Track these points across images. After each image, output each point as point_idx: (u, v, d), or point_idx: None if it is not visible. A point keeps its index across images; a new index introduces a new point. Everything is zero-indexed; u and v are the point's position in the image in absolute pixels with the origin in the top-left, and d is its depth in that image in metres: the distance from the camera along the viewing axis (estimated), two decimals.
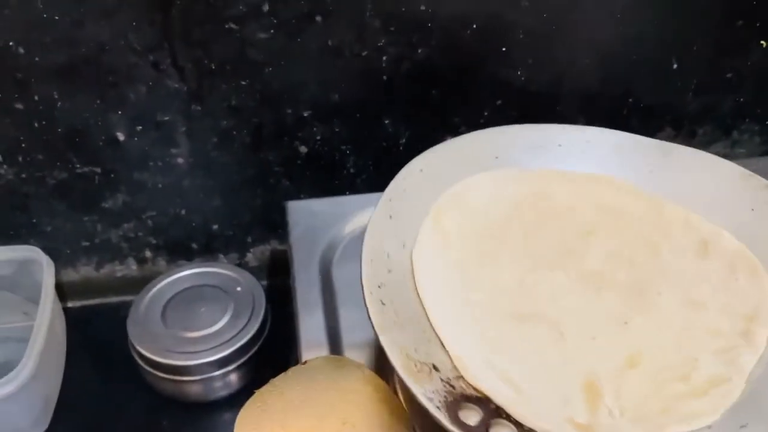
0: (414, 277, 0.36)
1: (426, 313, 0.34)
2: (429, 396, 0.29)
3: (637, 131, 0.62)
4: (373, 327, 0.30)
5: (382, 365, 0.41)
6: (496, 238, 0.40)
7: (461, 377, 0.31)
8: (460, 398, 0.30)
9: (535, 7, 0.52)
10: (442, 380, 0.30)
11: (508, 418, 0.30)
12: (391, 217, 0.37)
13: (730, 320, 0.37)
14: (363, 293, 0.32)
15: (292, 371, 0.40)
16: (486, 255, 0.39)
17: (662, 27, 0.57)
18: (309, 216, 0.52)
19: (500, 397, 0.31)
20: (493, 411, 0.30)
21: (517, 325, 0.36)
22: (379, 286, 0.32)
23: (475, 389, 0.31)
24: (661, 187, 0.44)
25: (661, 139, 0.62)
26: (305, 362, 0.41)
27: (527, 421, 0.30)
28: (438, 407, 0.28)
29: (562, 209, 0.42)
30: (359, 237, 0.50)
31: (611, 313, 0.38)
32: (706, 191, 0.43)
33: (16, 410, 0.50)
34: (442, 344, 0.33)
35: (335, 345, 0.42)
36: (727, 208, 0.42)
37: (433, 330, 0.33)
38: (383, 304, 0.31)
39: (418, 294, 0.35)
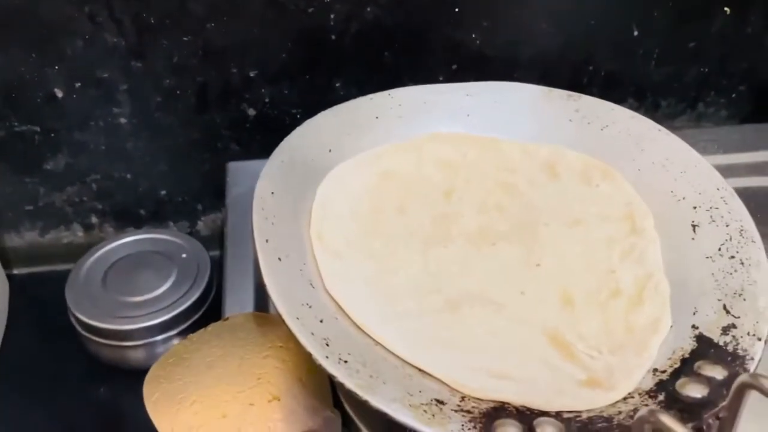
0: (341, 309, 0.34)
1: (381, 346, 0.32)
2: None
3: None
4: (357, 394, 0.28)
5: None
6: (373, 232, 0.38)
7: (465, 396, 0.30)
8: (485, 418, 0.28)
9: None
10: (455, 411, 0.29)
11: (532, 412, 0.29)
12: (272, 224, 0.35)
13: (614, 224, 0.39)
14: (315, 357, 0.29)
15: (212, 327, 0.38)
16: (378, 254, 0.37)
17: None
18: (249, 177, 0.50)
19: (511, 395, 0.30)
20: (517, 413, 0.29)
21: (457, 315, 0.34)
22: (312, 333, 0.30)
23: (486, 401, 0.30)
24: (483, 126, 0.45)
25: None
26: (227, 318, 0.39)
27: (550, 406, 0.29)
28: None
29: (410, 178, 0.42)
30: None
31: (519, 262, 0.37)
32: (521, 116, 0.45)
33: None
34: (421, 372, 0.31)
35: (262, 305, 0.41)
36: (548, 126, 0.45)
37: (404, 362, 0.31)
38: (344, 361, 0.29)
39: (355, 325, 0.33)
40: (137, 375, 0.53)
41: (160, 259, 0.56)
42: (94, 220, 0.60)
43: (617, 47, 0.58)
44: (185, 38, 0.51)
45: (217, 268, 0.55)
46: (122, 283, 0.54)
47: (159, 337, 0.53)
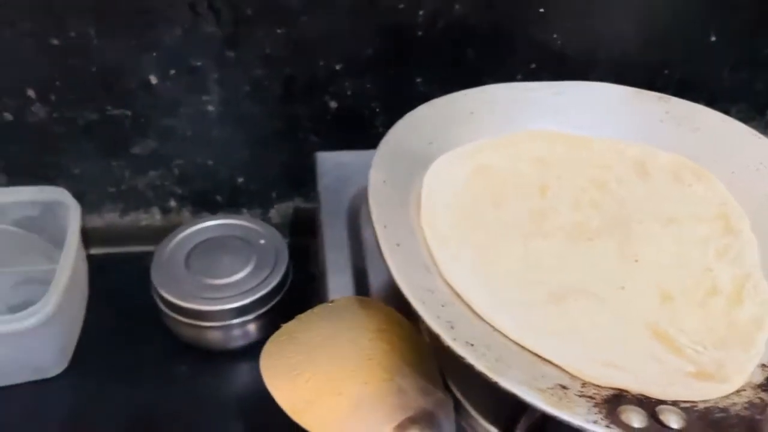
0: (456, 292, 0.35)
1: (499, 332, 0.33)
2: (592, 419, 0.28)
3: None
4: (487, 375, 0.29)
5: (407, 308, 0.40)
6: (474, 223, 0.39)
7: (585, 383, 0.30)
8: (607, 403, 0.29)
9: None
10: (579, 396, 0.29)
11: (650, 400, 0.30)
12: (387, 211, 0.36)
13: (709, 224, 0.40)
14: (443, 339, 0.30)
15: (319, 308, 0.40)
16: (480, 244, 0.38)
17: None
18: (337, 167, 0.52)
19: (629, 383, 0.31)
20: (636, 401, 0.30)
21: (561, 307, 0.35)
22: (438, 316, 0.31)
23: (605, 388, 0.30)
24: (573, 125, 0.46)
25: None
26: (332, 301, 0.40)
27: (666, 395, 0.30)
28: (609, 426, 0.28)
29: (506, 173, 0.43)
30: None
31: (616, 257, 0.38)
32: (611, 116, 0.46)
33: (36, 346, 0.51)
34: (539, 359, 0.32)
35: (361, 289, 0.42)
36: (638, 126, 0.46)
37: (522, 348, 0.32)
38: (470, 344, 0.30)
39: (468, 306, 0.34)
40: (214, 355, 0.56)
41: (240, 244, 0.57)
42: (172, 204, 0.62)
43: (694, 52, 0.59)
44: (278, 30, 0.52)
45: (294, 255, 0.57)
46: (204, 265, 0.55)
47: (236, 320, 0.54)
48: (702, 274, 0.38)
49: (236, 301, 0.53)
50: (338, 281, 0.42)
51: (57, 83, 0.52)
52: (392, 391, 0.35)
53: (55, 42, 0.50)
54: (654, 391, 0.31)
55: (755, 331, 0.34)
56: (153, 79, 0.53)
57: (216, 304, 0.53)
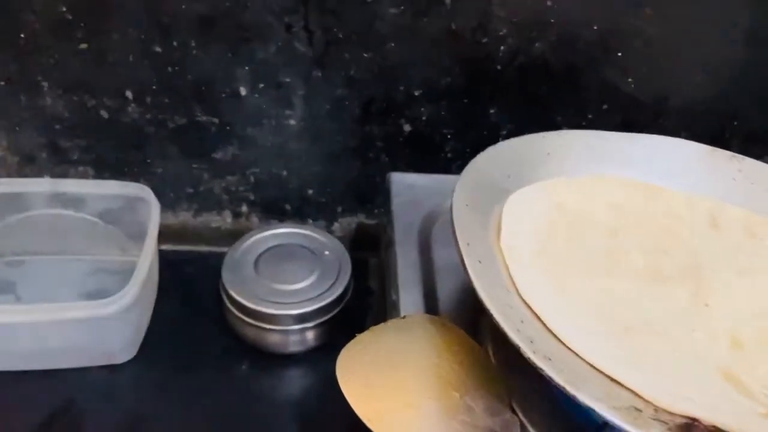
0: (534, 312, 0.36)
1: (573, 352, 0.34)
2: None
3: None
4: (565, 389, 0.30)
5: (478, 330, 0.42)
6: (550, 254, 0.41)
7: (657, 408, 0.32)
8: (678, 430, 0.31)
9: (658, 16, 0.53)
10: (652, 419, 0.31)
11: None
12: (469, 231, 0.38)
13: None
14: (523, 351, 0.31)
15: (391, 323, 0.42)
16: (556, 273, 0.40)
17: None
18: (409, 188, 0.54)
19: (702, 414, 0.32)
20: (707, 429, 0.31)
21: (636, 343, 0.36)
22: (518, 330, 0.33)
23: (678, 415, 0.31)
24: (647, 175, 0.48)
25: None
26: (404, 317, 0.42)
27: (739, 428, 0.31)
28: None
29: (580, 213, 0.44)
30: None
31: (688, 301, 0.39)
32: (684, 170, 0.48)
33: (112, 333, 0.54)
34: (613, 381, 0.33)
35: (431, 307, 0.44)
36: (710, 182, 0.48)
37: (596, 370, 0.33)
38: (548, 359, 0.31)
39: (545, 326, 0.36)
40: (272, 357, 0.58)
41: (306, 253, 0.60)
42: (244, 209, 0.65)
43: (764, 105, 0.60)
44: (365, 54, 0.55)
45: (354, 268, 0.59)
46: (272, 270, 0.58)
47: (296, 326, 0.56)
48: None
49: (298, 308, 0.56)
50: (409, 298, 0.44)
51: (154, 87, 0.56)
52: (461, 409, 0.36)
53: (158, 49, 0.54)
54: (728, 424, 0.31)
55: None
56: (243, 91, 0.56)
57: (279, 309, 0.55)
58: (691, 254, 0.43)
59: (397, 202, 0.52)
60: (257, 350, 0.58)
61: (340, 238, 0.66)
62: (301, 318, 0.56)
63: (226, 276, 0.57)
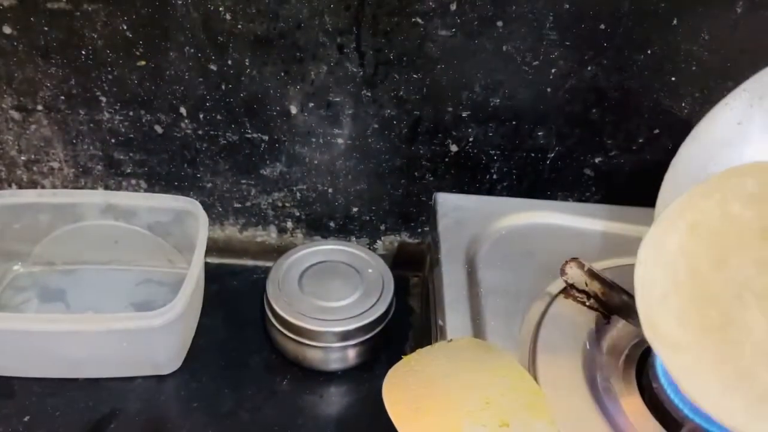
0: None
1: None
2: None
3: None
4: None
5: (527, 356, 0.42)
6: (702, 300, 0.36)
7: None
8: None
9: (714, 41, 0.52)
10: None
11: None
12: None
13: None
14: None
15: (438, 346, 0.41)
16: (715, 325, 0.34)
17: None
18: (456, 209, 0.54)
19: None
20: None
21: None
22: None
23: None
24: None
25: None
26: (450, 340, 0.42)
27: None
28: None
29: (719, 224, 0.38)
30: (505, 237, 0.52)
31: None
32: None
33: (159, 344, 0.55)
34: None
35: (477, 331, 0.44)
36: None
37: None
38: None
39: None
40: (314, 374, 0.58)
41: (350, 270, 0.60)
42: (289, 224, 0.66)
43: None
44: (415, 75, 0.55)
45: (396, 287, 0.59)
46: (316, 286, 0.58)
47: (337, 344, 0.57)
48: None
49: (341, 326, 0.56)
50: (455, 321, 0.44)
51: (207, 104, 0.57)
52: None
53: (213, 67, 0.55)
54: None
55: None
56: (293, 110, 0.57)
57: (322, 325, 0.56)
58: None
59: (444, 223, 0.52)
60: (299, 366, 0.58)
61: (383, 256, 0.66)
62: (343, 336, 0.56)
63: (271, 291, 0.58)
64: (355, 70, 0.55)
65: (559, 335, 0.43)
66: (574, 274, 0.44)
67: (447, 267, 0.48)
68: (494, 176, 0.62)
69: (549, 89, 0.56)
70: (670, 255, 0.37)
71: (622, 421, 0.38)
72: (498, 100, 0.57)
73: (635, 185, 0.62)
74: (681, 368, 0.33)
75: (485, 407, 0.37)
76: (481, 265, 0.49)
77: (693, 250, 0.37)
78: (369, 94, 0.56)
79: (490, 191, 0.62)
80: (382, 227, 0.66)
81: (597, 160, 0.60)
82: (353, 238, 0.66)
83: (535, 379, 0.40)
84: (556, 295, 0.46)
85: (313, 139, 0.59)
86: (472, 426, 0.36)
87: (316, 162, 0.61)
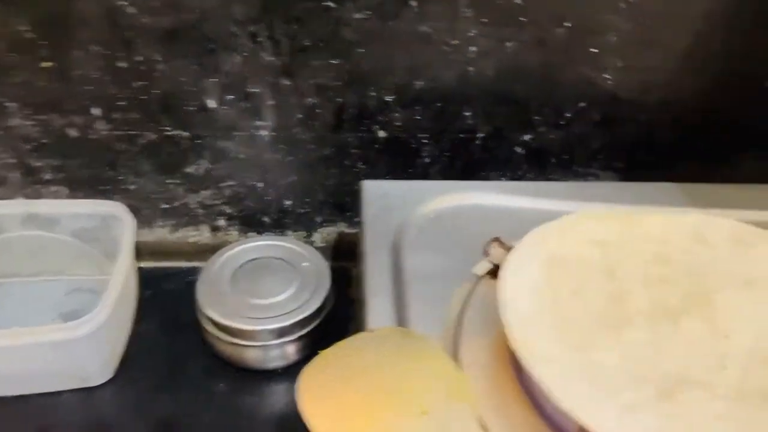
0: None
1: None
2: None
3: (721, 148, 0.61)
4: None
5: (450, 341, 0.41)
6: (564, 323, 0.38)
7: None
8: None
9: (632, 10, 0.52)
10: None
11: None
12: None
13: None
14: None
15: (358, 337, 0.40)
16: (577, 345, 0.37)
17: (756, 43, 0.55)
18: (383, 196, 0.53)
19: None
20: None
21: (676, 403, 0.34)
22: None
23: None
24: None
25: (747, 161, 0.62)
26: (372, 330, 0.41)
27: None
28: None
29: (572, 261, 0.42)
30: (433, 221, 0.51)
31: (708, 336, 0.37)
32: None
33: (85, 355, 0.53)
34: None
35: (402, 319, 0.43)
36: None
37: None
38: None
39: None
40: (252, 374, 0.57)
41: (284, 265, 0.59)
42: (221, 222, 0.64)
43: (748, 97, 0.58)
44: (333, 61, 0.54)
45: (336, 279, 0.58)
46: (249, 285, 0.57)
47: (275, 341, 0.55)
48: None
49: (277, 322, 0.55)
50: (379, 310, 0.43)
51: (121, 103, 0.55)
52: (426, 426, 0.35)
53: (123, 65, 0.53)
54: None
55: None
56: (211, 104, 0.55)
57: (256, 324, 0.54)
58: (690, 277, 0.41)
59: (369, 211, 0.51)
60: (237, 367, 0.57)
61: (321, 249, 0.65)
62: (280, 332, 0.55)
63: (201, 293, 0.56)
64: (270, 59, 0.53)
65: (485, 317, 0.42)
66: (498, 254, 0.43)
67: (371, 255, 0.47)
68: (426, 160, 0.61)
69: (471, 68, 0.55)
70: (533, 280, 0.40)
71: (545, 401, 0.37)
72: (421, 83, 0.56)
73: (567, 160, 0.61)
74: (551, 379, 0.34)
75: (404, 396, 0.36)
76: (408, 251, 0.48)
77: (553, 280, 0.40)
78: (288, 82, 0.55)
79: (424, 175, 0.61)
80: (318, 219, 0.64)
81: (526, 138, 0.59)
82: (289, 233, 0.65)
83: (460, 362, 0.39)
84: (482, 277, 0.45)
85: (236, 133, 0.57)
86: (388, 416, 0.35)
87: (242, 156, 0.59)
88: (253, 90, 0.55)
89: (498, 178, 0.62)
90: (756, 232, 0.44)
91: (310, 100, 0.56)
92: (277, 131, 0.57)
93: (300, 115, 0.57)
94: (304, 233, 0.65)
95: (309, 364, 0.38)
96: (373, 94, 0.56)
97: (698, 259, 0.42)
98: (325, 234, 0.65)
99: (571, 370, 0.35)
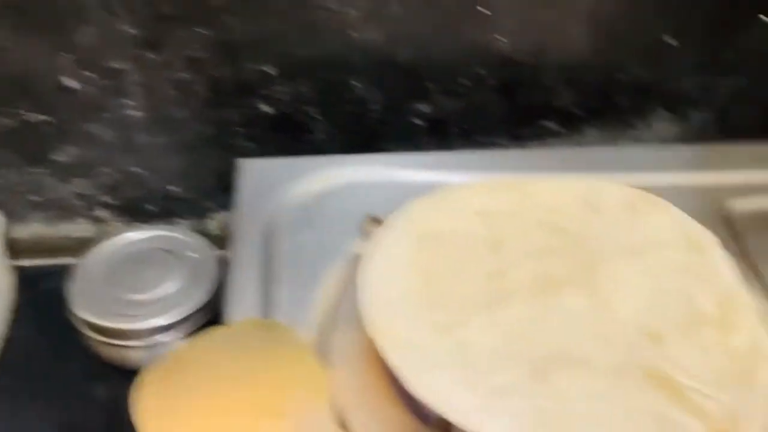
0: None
1: None
2: None
3: (626, 111, 0.59)
4: None
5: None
6: (433, 306, 0.35)
7: None
8: None
9: None
10: None
11: None
12: None
13: (675, 249, 0.38)
14: None
15: (215, 332, 0.36)
16: (446, 329, 0.34)
17: None
18: (261, 176, 0.49)
19: None
20: None
21: (548, 384, 0.32)
22: None
23: None
24: None
25: (654, 122, 0.59)
26: (230, 324, 0.37)
27: None
28: None
29: (452, 236, 0.39)
30: (315, 200, 0.48)
31: (591, 308, 0.35)
32: None
33: None
34: None
35: (268, 313, 0.39)
36: None
37: None
38: None
39: None
40: (137, 376, 0.53)
41: (168, 257, 0.54)
42: (102, 214, 0.59)
43: (649, 56, 0.56)
44: (200, 30, 0.49)
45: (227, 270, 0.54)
46: (127, 280, 0.52)
47: (162, 339, 0.51)
48: (684, 304, 0.35)
49: (157, 319, 0.50)
50: (243, 302, 0.39)
51: None
52: (282, 427, 0.31)
53: None
54: None
55: (757, 362, 0.32)
56: (70, 82, 0.50)
57: (134, 322, 0.50)
58: (578, 246, 0.38)
59: (244, 192, 0.47)
60: (119, 369, 0.52)
61: (216, 237, 0.61)
62: (162, 329, 0.51)
63: (72, 291, 0.51)
64: (130, 30, 0.48)
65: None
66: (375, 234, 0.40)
67: (240, 240, 0.43)
68: (320, 136, 0.57)
69: (354, 33, 0.51)
70: (400, 262, 0.37)
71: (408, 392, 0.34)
72: (303, 51, 0.51)
73: (468, 130, 0.58)
74: (409, 366, 0.31)
75: (260, 396, 0.33)
76: (284, 234, 0.44)
77: (424, 260, 0.37)
78: (153, 56, 0.50)
79: (320, 153, 0.57)
80: (210, 205, 0.60)
81: (423, 108, 0.56)
82: (180, 221, 0.60)
83: (329, 355, 0.36)
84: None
85: (104, 115, 0.52)
86: (239, 420, 0.32)
87: (113, 140, 0.54)
88: (115, 66, 0.50)
89: (399, 152, 0.58)
90: (649, 198, 0.41)
91: (182, 75, 0.51)
92: (148, 111, 0.53)
93: (172, 92, 0.52)
94: (197, 221, 0.61)
95: (149, 369, 0.34)
96: (251, 66, 0.52)
97: (588, 228, 0.40)
98: (219, 221, 0.61)
99: (435, 355, 0.32)
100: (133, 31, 0.48)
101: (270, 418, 0.32)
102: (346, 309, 0.39)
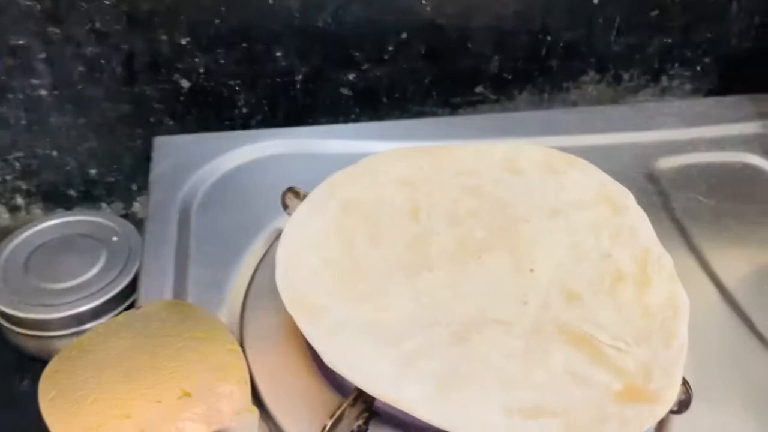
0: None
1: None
2: None
3: (557, 73, 0.58)
4: None
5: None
6: (353, 274, 0.34)
7: None
8: None
9: None
10: None
11: None
12: None
13: (594, 208, 0.38)
14: None
15: (123, 316, 0.35)
16: (366, 296, 0.33)
17: None
18: (177, 153, 0.47)
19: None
20: None
21: (468, 346, 0.31)
22: None
23: None
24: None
25: (585, 83, 0.59)
26: (140, 307, 0.35)
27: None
28: None
29: (372, 205, 0.38)
30: (232, 176, 0.46)
31: (512, 271, 0.35)
32: None
33: None
34: None
35: (180, 293, 0.37)
36: None
37: None
38: None
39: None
40: None
41: (89, 242, 0.52)
42: (19, 201, 0.56)
43: (576, 16, 0.55)
44: (106, 1, 0.46)
45: None
46: (46, 268, 0.50)
47: (87, 326, 0.49)
48: (602, 262, 0.35)
49: (81, 306, 0.48)
50: (154, 284, 0.37)
51: None
52: (189, 409, 0.30)
53: None
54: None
55: (672, 318, 0.32)
56: None
57: (53, 312, 0.48)
58: (499, 208, 0.38)
59: (159, 170, 0.44)
60: (42, 361, 0.50)
61: (144, 220, 0.59)
62: (82, 318, 0.48)
63: None
64: (28, 3, 0.45)
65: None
66: (295, 206, 0.38)
67: (152, 219, 0.41)
68: (243, 110, 0.55)
69: (271, 1, 0.49)
70: (321, 234, 0.36)
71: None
72: (218, 20, 0.49)
73: (399, 99, 0.57)
74: (323, 336, 0.31)
75: (168, 379, 0.31)
76: (199, 212, 0.42)
77: (346, 228, 0.36)
78: (57, 31, 0.47)
79: (245, 127, 0.55)
80: (134, 187, 0.57)
81: (350, 77, 0.54)
82: (104, 205, 0.58)
83: (245, 332, 0.35)
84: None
85: (10, 95, 0.49)
86: (145, 404, 0.30)
87: (24, 122, 0.51)
88: (17, 42, 0.47)
89: (329, 124, 0.57)
90: (567, 158, 0.41)
91: (90, 49, 0.49)
92: (58, 89, 0.50)
93: (82, 69, 0.49)
94: (122, 204, 0.58)
95: (55, 357, 0.32)
96: (164, 37, 0.49)
97: (507, 190, 0.39)
98: (145, 203, 0.58)
99: (351, 325, 0.31)
100: (31, 4, 0.45)
101: (175, 399, 0.30)
102: (265, 284, 0.38)
